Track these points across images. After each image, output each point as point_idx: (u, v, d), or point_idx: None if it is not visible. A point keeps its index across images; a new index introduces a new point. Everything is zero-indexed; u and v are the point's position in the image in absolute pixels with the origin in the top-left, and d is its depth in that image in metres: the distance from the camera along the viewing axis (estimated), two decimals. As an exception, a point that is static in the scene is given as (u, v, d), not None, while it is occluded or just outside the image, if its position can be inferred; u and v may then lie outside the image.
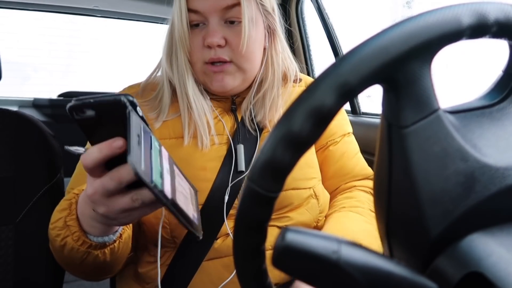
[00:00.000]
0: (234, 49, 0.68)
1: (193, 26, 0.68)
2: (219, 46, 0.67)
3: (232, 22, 0.68)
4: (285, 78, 0.78)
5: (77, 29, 5.00)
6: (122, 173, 0.43)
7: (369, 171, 0.80)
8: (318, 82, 0.27)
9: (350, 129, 0.83)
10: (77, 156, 0.73)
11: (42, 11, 1.91)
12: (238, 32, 0.68)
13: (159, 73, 0.77)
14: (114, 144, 0.42)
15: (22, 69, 4.83)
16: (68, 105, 0.39)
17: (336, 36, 1.48)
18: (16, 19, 4.69)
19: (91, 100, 0.39)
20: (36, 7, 1.84)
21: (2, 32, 4.50)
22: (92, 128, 0.42)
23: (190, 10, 0.67)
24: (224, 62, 0.68)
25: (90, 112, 0.40)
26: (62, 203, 0.57)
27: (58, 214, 0.56)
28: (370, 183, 0.77)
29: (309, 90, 0.28)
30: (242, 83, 0.72)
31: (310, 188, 0.71)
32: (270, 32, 0.75)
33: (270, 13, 0.73)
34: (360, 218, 0.70)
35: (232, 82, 0.70)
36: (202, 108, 0.70)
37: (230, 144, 0.70)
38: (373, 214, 0.69)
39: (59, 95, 2.18)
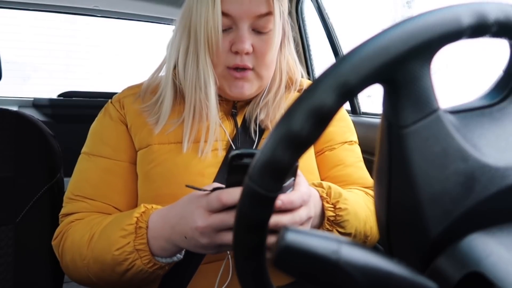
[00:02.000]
0: (259, 57, 0.67)
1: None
2: (247, 53, 0.66)
3: (260, 32, 0.67)
4: (290, 82, 0.78)
5: (77, 29, 5.00)
6: None
7: (368, 181, 0.77)
8: (318, 82, 0.27)
9: (353, 138, 0.81)
10: (77, 157, 0.73)
11: (42, 11, 1.91)
12: (265, 40, 0.67)
13: (161, 74, 0.75)
14: None
15: (22, 69, 4.83)
16: (234, 153, 0.45)
17: (336, 36, 1.47)
18: (16, 19, 4.69)
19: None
20: (36, 7, 1.84)
21: (2, 32, 4.50)
22: (238, 172, 0.47)
23: (221, 13, 0.65)
24: (247, 69, 0.68)
25: (247, 160, 0.45)
26: (126, 228, 0.58)
27: (123, 240, 0.58)
28: (368, 191, 0.75)
29: (309, 90, 0.28)
30: (257, 90, 0.72)
31: None
32: (284, 37, 0.75)
33: (287, 21, 0.73)
34: (349, 191, 0.70)
35: (250, 89, 0.70)
36: (215, 118, 0.69)
37: (229, 149, 0.70)
38: (366, 205, 0.69)
39: (59, 95, 2.17)
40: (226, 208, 0.49)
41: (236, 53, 0.66)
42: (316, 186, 0.64)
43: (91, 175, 0.70)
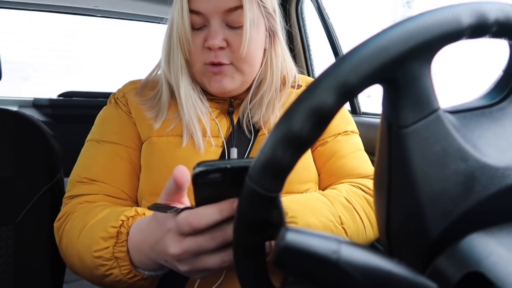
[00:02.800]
0: (235, 51, 0.67)
1: (194, 28, 0.67)
2: (220, 48, 0.67)
3: (232, 26, 0.68)
4: (283, 81, 0.78)
5: (77, 29, 5.00)
6: (228, 233, 0.42)
7: (365, 170, 0.74)
8: (318, 82, 0.27)
9: (349, 127, 0.78)
10: (77, 157, 0.73)
11: (42, 11, 1.91)
12: (239, 34, 0.67)
13: (159, 72, 0.77)
14: (235, 205, 0.41)
15: (22, 69, 4.83)
16: (198, 170, 0.38)
17: (336, 36, 1.48)
18: (16, 19, 4.69)
19: (228, 166, 0.38)
20: (36, 7, 1.84)
21: (2, 32, 4.50)
22: (205, 188, 0.41)
23: (191, 11, 0.66)
24: (223, 64, 0.68)
25: (215, 175, 0.38)
26: (109, 230, 0.54)
27: (104, 242, 0.54)
28: (363, 181, 0.72)
29: (309, 90, 0.28)
30: (241, 85, 0.72)
31: (303, 192, 0.70)
32: (271, 34, 0.74)
33: (271, 15, 0.73)
34: (313, 197, 0.64)
35: (230, 83, 0.70)
36: (194, 110, 0.69)
37: (225, 147, 0.70)
38: (347, 203, 0.64)
39: (59, 95, 2.18)
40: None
41: (210, 49, 0.67)
42: None
43: (100, 159, 0.69)
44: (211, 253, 0.44)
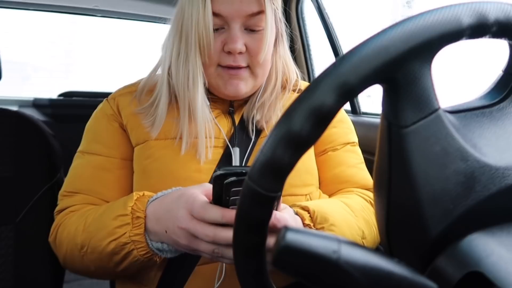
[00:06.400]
0: (253, 56, 0.67)
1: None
2: (240, 52, 0.66)
3: (252, 30, 0.67)
4: (285, 82, 0.78)
5: (77, 29, 5.00)
6: (220, 236, 0.49)
7: (369, 182, 0.76)
8: (318, 82, 0.27)
9: (354, 139, 0.81)
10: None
11: (42, 11, 1.91)
12: (258, 39, 0.67)
13: (158, 73, 0.75)
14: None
15: (22, 69, 4.83)
16: (218, 173, 0.46)
17: (336, 36, 1.47)
18: (16, 19, 4.69)
19: (243, 171, 0.45)
20: (36, 7, 1.84)
21: (2, 32, 4.50)
22: (221, 189, 0.47)
23: (212, 13, 0.64)
24: (241, 67, 0.68)
25: (232, 178, 0.45)
26: (123, 219, 0.58)
27: (119, 230, 0.58)
28: (370, 194, 0.73)
29: (309, 90, 0.28)
30: (252, 89, 0.72)
31: (306, 195, 0.71)
32: (278, 37, 0.74)
33: (280, 20, 0.73)
34: (343, 207, 0.67)
35: (245, 88, 0.70)
36: (203, 118, 0.68)
37: (226, 147, 0.70)
38: (367, 218, 0.67)
39: (59, 95, 2.18)
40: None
41: (229, 53, 0.66)
42: (302, 209, 0.62)
43: (83, 172, 0.71)
44: (206, 241, 0.50)
